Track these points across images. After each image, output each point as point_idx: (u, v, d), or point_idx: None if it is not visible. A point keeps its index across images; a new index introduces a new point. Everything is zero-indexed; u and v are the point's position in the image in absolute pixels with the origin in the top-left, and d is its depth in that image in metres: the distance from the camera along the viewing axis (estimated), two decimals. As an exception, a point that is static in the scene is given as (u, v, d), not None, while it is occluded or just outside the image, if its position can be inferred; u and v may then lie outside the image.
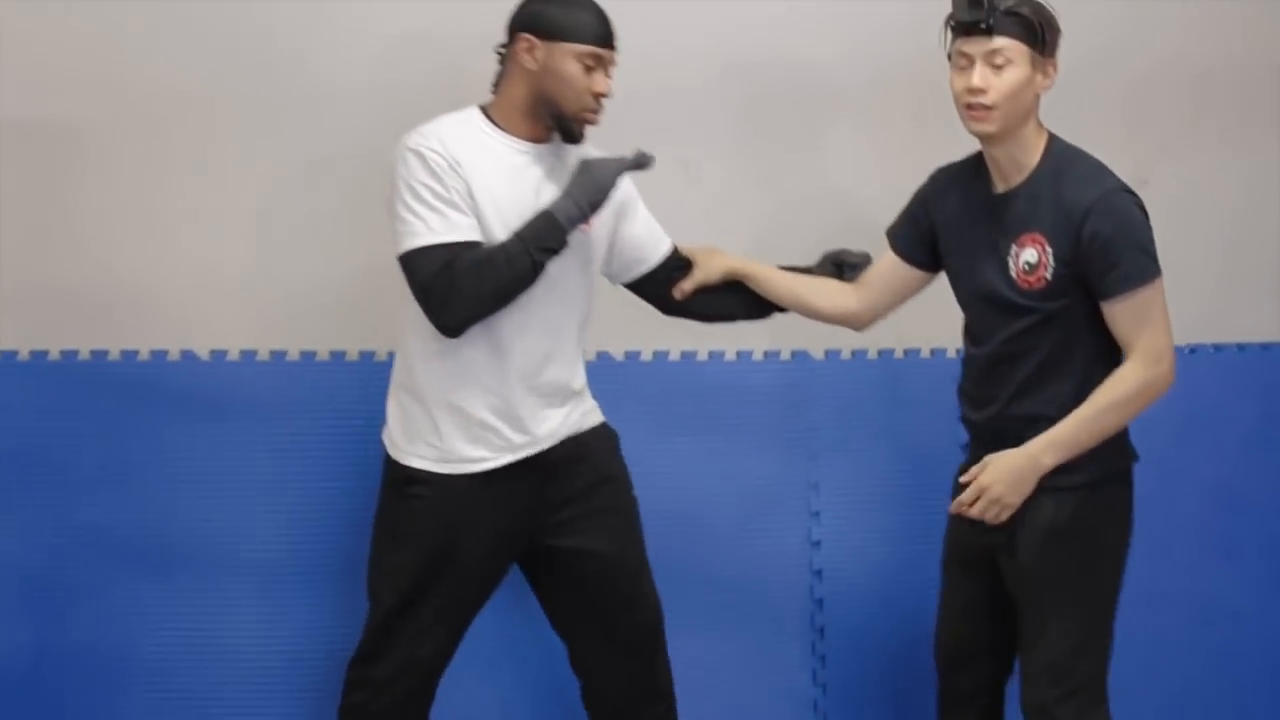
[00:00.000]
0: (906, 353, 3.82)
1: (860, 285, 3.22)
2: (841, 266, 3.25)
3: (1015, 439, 2.92)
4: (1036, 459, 2.84)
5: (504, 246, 2.90)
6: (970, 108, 2.85)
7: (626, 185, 3.09)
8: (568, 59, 2.94)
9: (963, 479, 2.90)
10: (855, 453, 3.74)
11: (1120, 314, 2.84)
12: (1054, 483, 2.90)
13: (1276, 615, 3.86)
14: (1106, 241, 2.79)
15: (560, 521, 3.05)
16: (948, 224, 3.04)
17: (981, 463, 2.87)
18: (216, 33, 3.65)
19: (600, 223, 3.05)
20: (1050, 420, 2.90)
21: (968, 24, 2.82)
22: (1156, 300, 2.84)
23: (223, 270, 3.66)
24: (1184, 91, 4.01)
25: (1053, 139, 2.91)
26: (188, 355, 3.62)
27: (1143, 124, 3.98)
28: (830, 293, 3.25)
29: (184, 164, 3.65)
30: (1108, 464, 2.94)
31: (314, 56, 3.66)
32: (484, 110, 3.01)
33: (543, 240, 2.90)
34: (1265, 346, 3.92)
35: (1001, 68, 2.83)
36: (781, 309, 3.28)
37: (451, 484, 2.98)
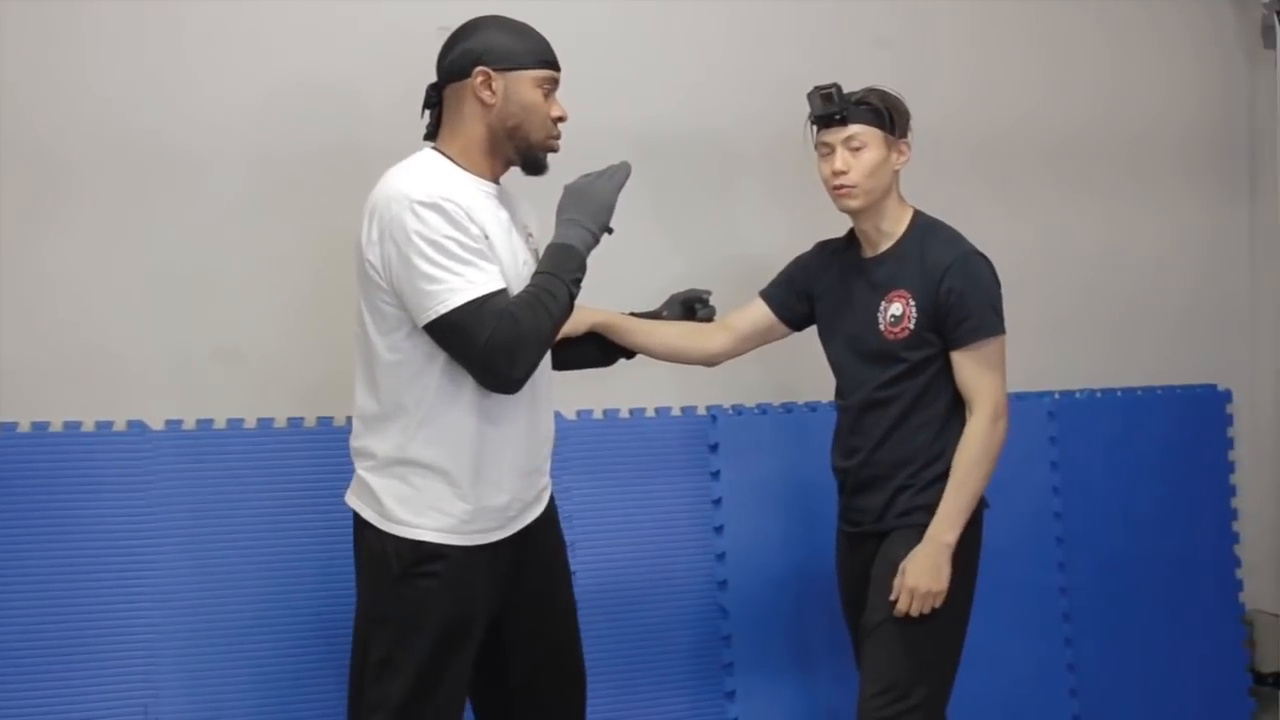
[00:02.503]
0: (808, 404, 3.93)
1: (723, 328, 3.30)
2: (693, 307, 3.27)
3: (883, 481, 3.11)
4: (940, 540, 2.99)
5: (541, 284, 2.71)
6: (837, 189, 3.05)
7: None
8: (527, 87, 2.78)
9: (891, 598, 3.00)
10: (759, 493, 3.86)
11: (967, 363, 3.02)
12: (913, 520, 3.09)
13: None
14: (960, 296, 3.00)
15: (534, 583, 2.95)
16: (825, 290, 3.22)
17: (900, 572, 3.00)
18: (84, 96, 3.47)
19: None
20: (913, 462, 3.08)
21: (824, 118, 3.02)
22: (999, 354, 3.05)
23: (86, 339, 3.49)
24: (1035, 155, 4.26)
25: (917, 213, 3.13)
26: (39, 426, 3.43)
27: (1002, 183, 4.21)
28: (696, 336, 3.27)
29: (55, 228, 3.46)
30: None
31: (177, 125, 3.51)
32: (443, 154, 2.80)
33: (572, 271, 2.73)
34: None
35: (859, 150, 3.04)
36: (627, 355, 3.26)
37: (471, 556, 2.78)
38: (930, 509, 3.04)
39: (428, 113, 2.82)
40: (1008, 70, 4.21)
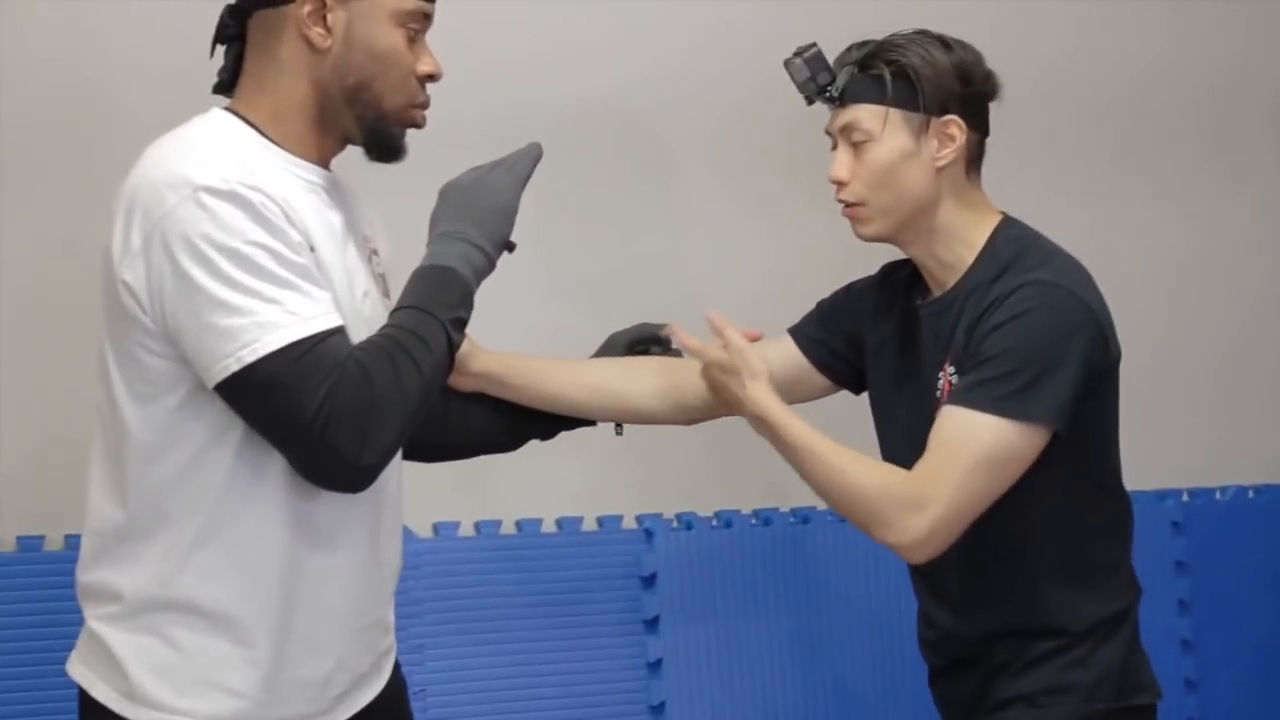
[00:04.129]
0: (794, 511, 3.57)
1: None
2: (645, 351, 2.86)
3: (969, 664, 2.68)
4: (753, 400, 2.61)
5: (404, 324, 2.37)
6: (843, 207, 2.65)
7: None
8: (382, 23, 2.42)
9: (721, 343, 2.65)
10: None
11: (943, 427, 2.52)
12: (1009, 717, 2.65)
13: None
14: (989, 335, 2.49)
15: None
16: (881, 342, 2.78)
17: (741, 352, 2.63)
18: None
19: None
20: (1012, 630, 2.63)
21: (810, 97, 2.64)
22: (987, 444, 2.50)
23: None
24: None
25: (1005, 223, 2.64)
26: None
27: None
28: (665, 375, 2.80)
29: None
30: (1115, 694, 2.60)
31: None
32: (244, 119, 2.46)
33: (452, 306, 2.38)
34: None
35: (862, 144, 2.60)
36: (544, 430, 2.82)
37: None
38: (1033, 700, 2.58)
39: (219, 52, 2.49)
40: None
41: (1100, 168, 3.98)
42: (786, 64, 2.61)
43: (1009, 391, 2.46)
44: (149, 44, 3.20)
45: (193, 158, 2.29)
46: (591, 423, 2.83)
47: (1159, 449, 3.79)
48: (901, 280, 2.75)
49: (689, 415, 2.80)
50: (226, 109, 2.43)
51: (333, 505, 2.37)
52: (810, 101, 2.62)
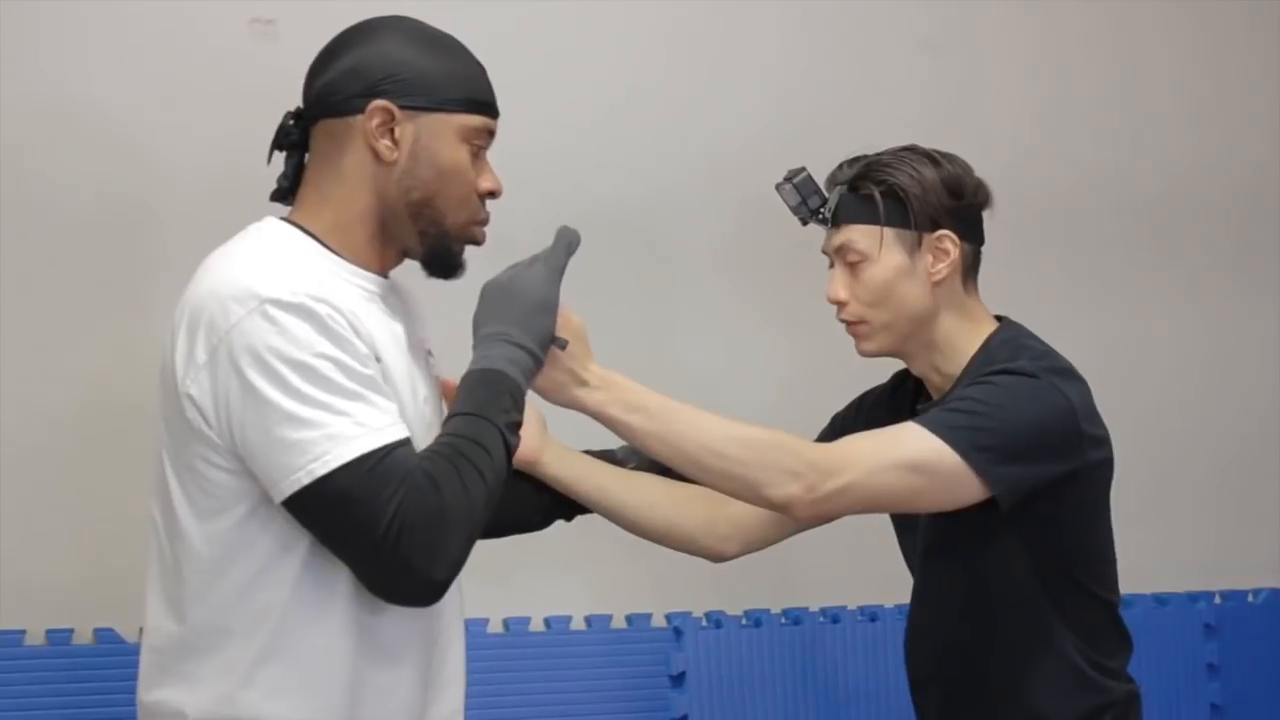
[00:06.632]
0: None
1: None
2: None
3: None
4: (594, 394, 2.49)
5: (463, 432, 2.32)
6: (846, 324, 2.68)
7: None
8: (449, 139, 2.38)
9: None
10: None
11: (894, 426, 2.58)
12: None
13: None
14: (965, 388, 2.53)
15: None
16: None
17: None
18: None
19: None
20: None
21: (803, 218, 2.66)
22: (917, 451, 2.50)
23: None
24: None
25: (1001, 327, 2.67)
26: None
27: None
28: (698, 505, 2.74)
29: None
30: None
31: None
32: (303, 229, 2.41)
33: (506, 410, 2.34)
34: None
35: (857, 264, 2.62)
36: (568, 513, 2.79)
37: None
38: None
39: (279, 158, 2.43)
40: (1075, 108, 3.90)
41: (1128, 269, 3.96)
42: (777, 188, 2.65)
43: (962, 425, 2.47)
44: (189, 163, 3.16)
45: (257, 270, 2.28)
46: None
47: (1191, 551, 3.80)
48: (908, 390, 2.76)
49: (724, 555, 2.78)
50: (284, 219, 2.42)
51: (397, 618, 2.33)
52: (805, 223, 2.64)
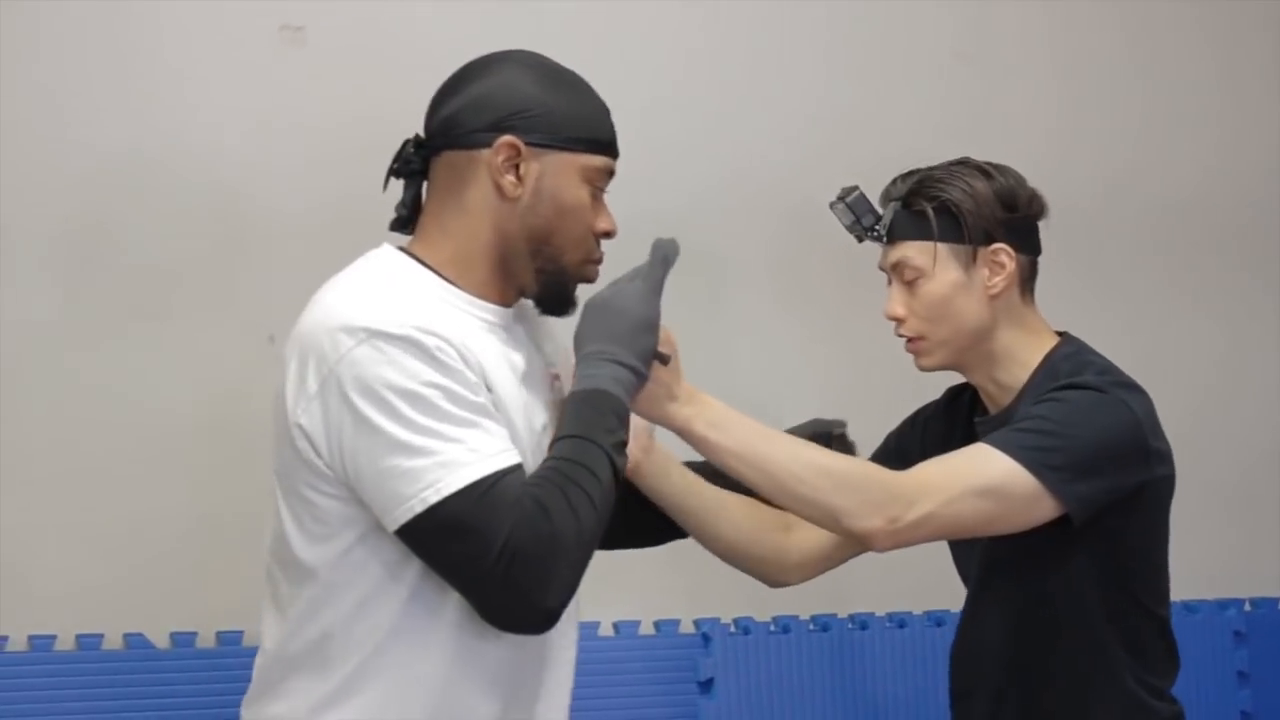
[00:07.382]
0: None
1: (802, 524, 2.71)
2: (828, 442, 2.76)
3: None
4: (681, 409, 2.45)
5: (570, 455, 2.29)
6: (906, 341, 2.66)
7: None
8: (572, 177, 2.35)
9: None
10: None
11: (967, 448, 2.54)
12: None
13: None
14: (1034, 405, 2.51)
15: None
16: None
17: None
18: None
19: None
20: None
21: (858, 236, 2.65)
22: (992, 477, 2.48)
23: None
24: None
25: (1063, 341, 2.65)
26: None
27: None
28: (779, 530, 2.71)
29: None
30: None
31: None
32: (420, 261, 2.39)
33: (611, 430, 2.30)
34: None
35: (914, 282, 2.62)
36: (680, 532, 2.73)
37: None
38: None
39: (398, 186, 2.42)
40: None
41: (1146, 278, 3.94)
42: (831, 207, 2.65)
43: (1033, 445, 2.46)
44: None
45: (366, 302, 2.28)
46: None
47: (1221, 558, 3.77)
48: (964, 403, 2.75)
49: (789, 580, 2.78)
50: (401, 248, 2.41)
51: (505, 645, 2.31)
52: (860, 240, 2.64)
